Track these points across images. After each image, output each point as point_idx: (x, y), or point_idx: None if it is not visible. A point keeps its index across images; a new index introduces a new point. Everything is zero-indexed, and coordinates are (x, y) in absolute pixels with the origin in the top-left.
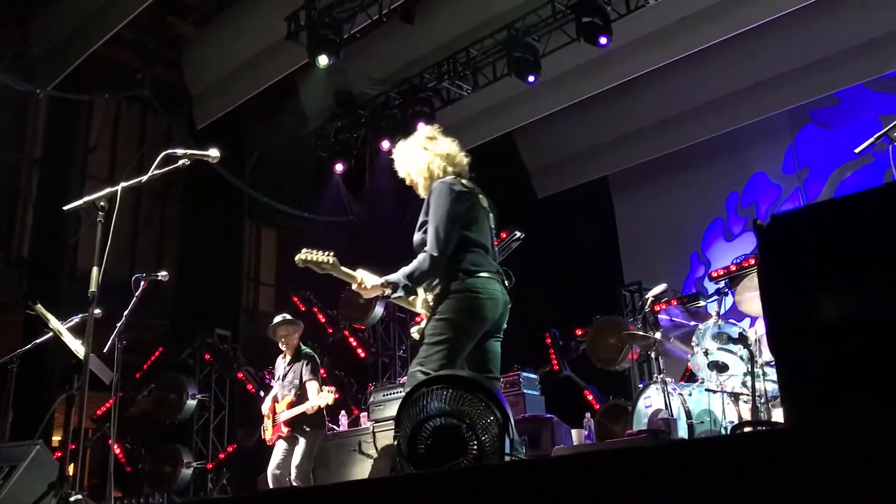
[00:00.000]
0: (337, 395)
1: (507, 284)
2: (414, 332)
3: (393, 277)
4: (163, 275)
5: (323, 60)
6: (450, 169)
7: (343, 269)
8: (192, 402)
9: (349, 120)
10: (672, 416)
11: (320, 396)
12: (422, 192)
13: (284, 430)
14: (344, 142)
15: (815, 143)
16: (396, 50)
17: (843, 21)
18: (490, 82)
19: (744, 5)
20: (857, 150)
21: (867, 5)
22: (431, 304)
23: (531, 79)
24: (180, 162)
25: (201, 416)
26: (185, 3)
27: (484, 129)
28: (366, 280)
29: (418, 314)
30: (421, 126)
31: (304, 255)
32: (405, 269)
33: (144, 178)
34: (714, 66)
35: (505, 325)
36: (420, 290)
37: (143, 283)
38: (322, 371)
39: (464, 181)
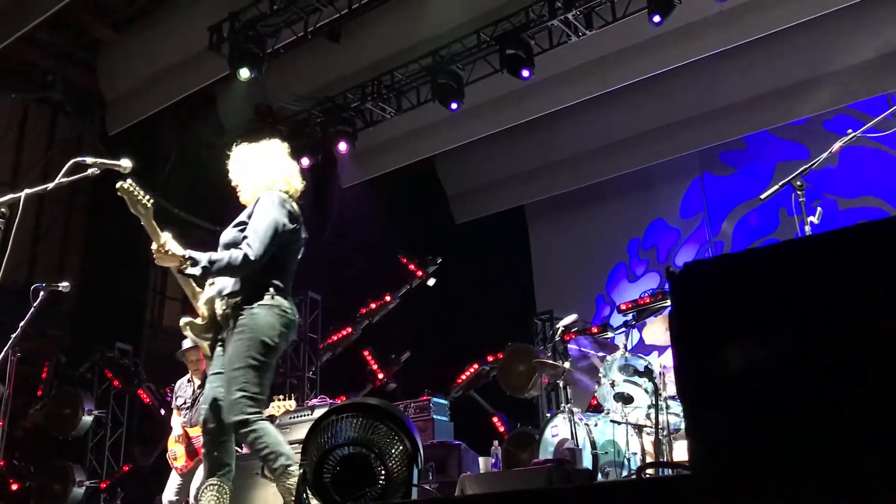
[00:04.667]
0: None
1: None
2: (183, 323)
3: (196, 255)
4: (64, 285)
5: (244, 73)
6: (283, 187)
7: (154, 223)
8: (87, 419)
9: (268, 134)
10: (577, 446)
11: (277, 405)
12: (247, 199)
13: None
14: None
15: (713, 188)
16: (320, 68)
17: (752, 69)
18: (413, 106)
19: (660, 48)
20: (763, 196)
21: (777, 56)
22: (227, 312)
23: (454, 106)
24: (90, 171)
25: (97, 433)
26: (104, 5)
27: (405, 152)
28: (169, 245)
29: (195, 307)
30: (274, 141)
31: (129, 186)
32: (212, 254)
33: (51, 185)
34: (630, 104)
35: None
36: (215, 296)
37: (42, 293)
38: None
39: (294, 204)
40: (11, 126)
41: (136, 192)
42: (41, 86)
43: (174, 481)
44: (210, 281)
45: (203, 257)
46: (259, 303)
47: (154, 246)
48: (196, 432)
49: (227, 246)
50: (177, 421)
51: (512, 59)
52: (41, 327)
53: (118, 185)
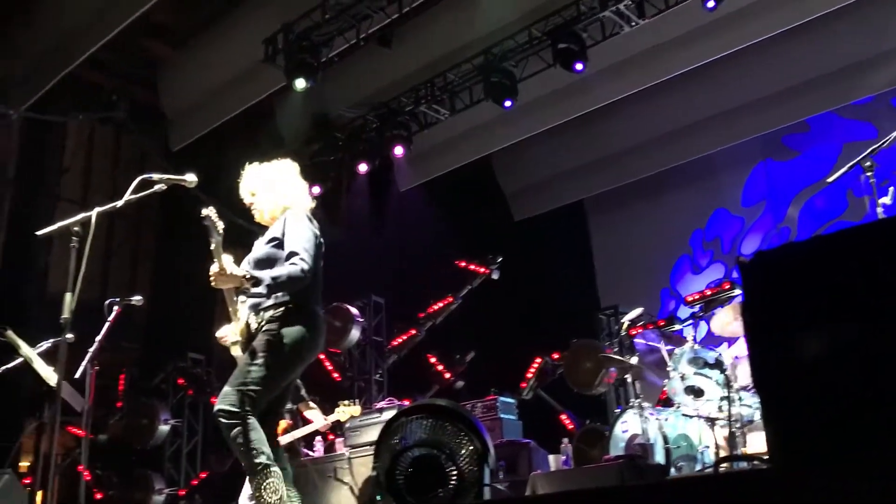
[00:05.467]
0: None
1: None
2: (222, 337)
3: (258, 273)
4: (137, 299)
5: (300, 84)
6: (301, 205)
7: (221, 249)
8: (164, 428)
9: (326, 143)
10: (648, 440)
11: (343, 411)
12: (264, 217)
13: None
14: (321, 164)
15: (776, 173)
16: (374, 74)
17: (814, 49)
18: (467, 107)
19: (717, 33)
20: (830, 179)
21: (838, 34)
22: (261, 325)
23: (508, 103)
24: (156, 187)
25: (173, 442)
26: (162, 25)
27: (461, 152)
28: (229, 268)
29: (235, 325)
30: (286, 160)
31: (211, 214)
32: (271, 271)
33: (120, 202)
34: (687, 91)
35: None
36: (244, 310)
37: (116, 308)
38: None
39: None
40: (80, 147)
41: (215, 219)
42: (105, 106)
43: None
44: (242, 298)
45: (265, 276)
46: (296, 314)
47: (215, 268)
48: None
49: (260, 261)
50: None
51: (564, 53)
52: (116, 341)
53: (203, 214)
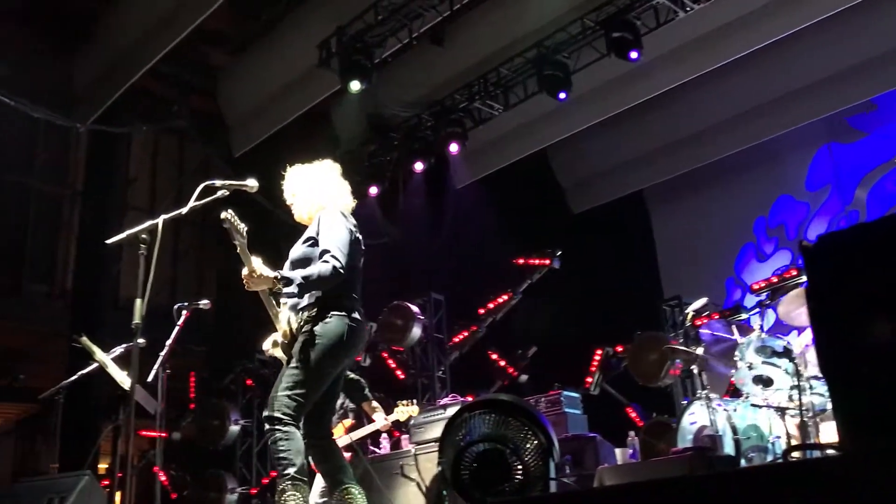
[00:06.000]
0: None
1: None
2: (269, 347)
3: (288, 274)
4: (204, 303)
5: (355, 86)
6: (340, 205)
7: (247, 251)
8: (234, 428)
9: (382, 143)
10: (717, 432)
11: (402, 411)
12: (302, 217)
13: (346, 455)
14: (377, 165)
15: (842, 155)
16: (427, 72)
17: (878, 25)
18: (521, 101)
19: (775, 15)
20: None
21: None
22: (301, 325)
23: (562, 96)
24: (219, 193)
25: (244, 442)
26: (219, 34)
27: (516, 147)
28: (260, 269)
29: (277, 328)
30: (327, 161)
31: (231, 217)
32: (302, 270)
33: (185, 209)
34: (746, 76)
35: None
36: (286, 312)
37: (185, 312)
38: None
39: (352, 218)
40: (145, 156)
41: (235, 222)
42: (168, 116)
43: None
44: (283, 301)
45: (295, 275)
46: (331, 311)
47: (245, 272)
48: (338, 433)
49: (297, 261)
50: None
51: (618, 42)
52: (185, 344)
53: (222, 216)
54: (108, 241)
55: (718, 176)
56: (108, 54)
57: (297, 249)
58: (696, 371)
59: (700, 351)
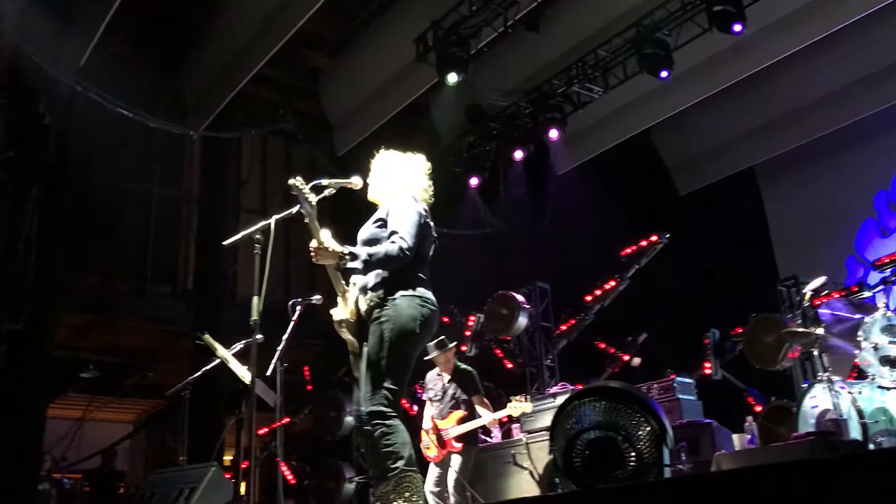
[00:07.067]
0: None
1: None
2: (337, 320)
3: (355, 249)
4: (317, 298)
5: (452, 78)
6: (416, 195)
7: (316, 223)
8: (350, 419)
9: (481, 133)
10: (842, 416)
11: (515, 406)
12: (376, 195)
13: (457, 445)
14: (477, 156)
15: None
16: (523, 59)
17: None
18: (621, 82)
19: None
20: None
21: None
22: (371, 306)
23: (664, 74)
24: (326, 191)
25: None
26: (318, 36)
27: (618, 129)
28: (328, 242)
29: (343, 306)
30: (420, 156)
31: (300, 184)
32: (368, 248)
33: (294, 209)
34: (859, 42)
35: None
36: (354, 292)
37: (299, 307)
38: None
39: (424, 204)
40: (254, 159)
41: (305, 191)
42: (274, 119)
43: (433, 472)
44: (353, 280)
45: (362, 251)
46: (401, 293)
47: (314, 244)
48: (445, 424)
49: (367, 242)
50: (428, 412)
51: (721, 16)
52: (300, 338)
53: (290, 182)
54: (225, 243)
55: (834, 149)
56: (215, 63)
57: (366, 230)
58: (816, 353)
59: (820, 332)
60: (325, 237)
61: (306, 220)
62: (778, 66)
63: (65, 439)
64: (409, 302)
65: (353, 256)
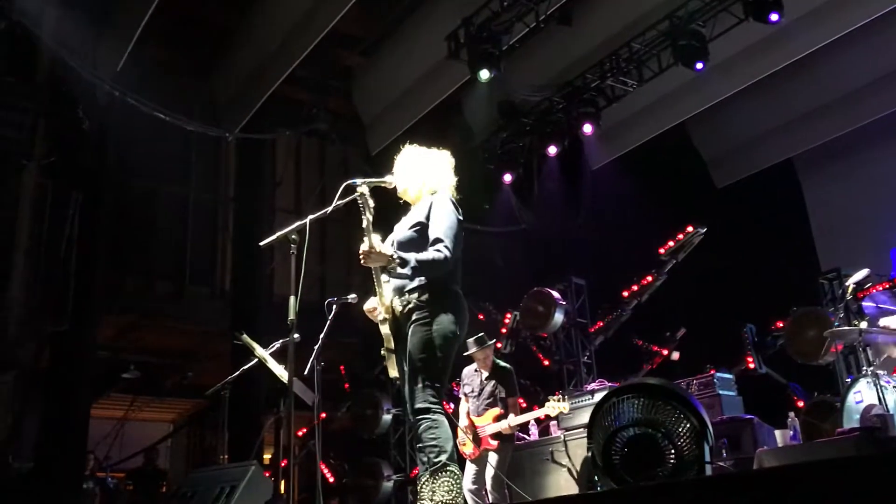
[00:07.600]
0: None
1: None
2: (371, 309)
3: (404, 255)
4: (352, 297)
5: (484, 74)
6: (448, 193)
7: (371, 228)
8: (387, 417)
9: (514, 129)
10: (888, 411)
11: (553, 406)
12: (410, 193)
13: (493, 442)
14: (510, 152)
15: None
16: (556, 54)
17: None
18: (656, 75)
19: None
20: None
21: None
22: (410, 307)
23: (699, 66)
24: (360, 190)
25: (397, 430)
26: (349, 36)
27: (653, 122)
28: (378, 247)
29: (380, 303)
30: (446, 152)
31: (365, 192)
32: (417, 254)
33: (329, 209)
34: (894, 33)
35: None
36: (389, 293)
37: (334, 306)
38: None
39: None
40: (289, 160)
41: (367, 198)
42: (307, 119)
43: (470, 469)
44: (386, 279)
45: (410, 257)
46: (441, 296)
47: (365, 247)
48: (481, 421)
49: (403, 243)
50: (464, 408)
51: (757, 5)
52: (336, 337)
53: (357, 191)
54: (262, 244)
55: (875, 138)
56: (248, 65)
57: (403, 232)
58: (860, 347)
59: (864, 325)
60: (377, 241)
61: (363, 225)
62: (815, 55)
63: (108, 439)
64: (448, 304)
65: (404, 262)
